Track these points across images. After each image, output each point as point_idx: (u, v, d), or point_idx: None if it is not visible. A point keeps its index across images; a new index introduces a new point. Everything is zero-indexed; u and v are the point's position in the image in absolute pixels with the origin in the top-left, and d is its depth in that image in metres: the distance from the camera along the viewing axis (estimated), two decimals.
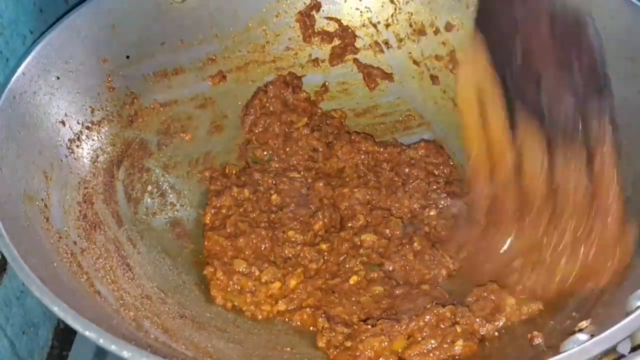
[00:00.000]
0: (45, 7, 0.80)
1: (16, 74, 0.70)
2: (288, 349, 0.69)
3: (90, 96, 0.78)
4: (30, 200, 0.66)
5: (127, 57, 0.82)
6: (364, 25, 0.94)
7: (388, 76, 0.93)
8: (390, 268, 0.76)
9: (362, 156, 0.87)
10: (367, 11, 0.93)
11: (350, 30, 0.94)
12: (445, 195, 0.82)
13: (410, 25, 0.92)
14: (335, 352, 0.67)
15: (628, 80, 0.74)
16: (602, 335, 0.50)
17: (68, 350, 0.82)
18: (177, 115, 0.87)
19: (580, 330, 0.58)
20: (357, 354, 0.65)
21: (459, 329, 0.66)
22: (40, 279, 0.56)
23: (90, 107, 0.78)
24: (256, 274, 0.74)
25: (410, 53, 0.93)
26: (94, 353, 0.80)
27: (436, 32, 0.91)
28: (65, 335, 0.83)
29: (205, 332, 0.68)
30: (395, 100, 0.94)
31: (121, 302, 0.66)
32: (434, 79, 0.92)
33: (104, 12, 0.80)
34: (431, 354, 0.65)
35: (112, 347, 0.52)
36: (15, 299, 0.73)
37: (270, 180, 0.84)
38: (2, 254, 0.58)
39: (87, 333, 0.52)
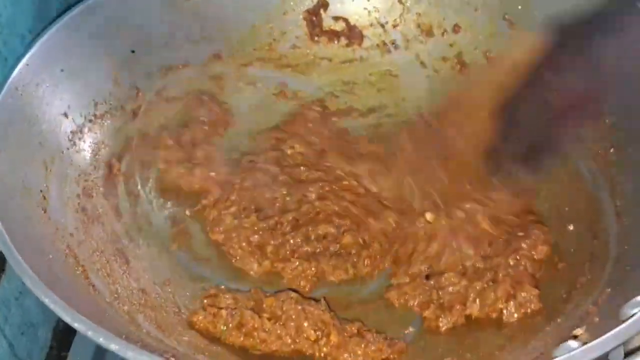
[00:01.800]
0: (45, 6, 0.80)
1: (19, 66, 0.71)
2: None
3: (94, 90, 0.78)
4: (28, 191, 0.67)
5: (133, 51, 0.83)
6: (371, 25, 0.93)
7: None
8: None
9: None
10: (375, 11, 0.93)
11: (357, 29, 0.93)
12: None
13: (418, 26, 0.92)
14: None
15: (632, 83, 0.72)
16: (593, 343, 0.50)
17: (67, 351, 0.81)
18: (181, 111, 0.87)
19: (575, 337, 0.57)
20: None
21: None
22: (33, 269, 0.56)
23: (93, 100, 0.78)
24: None
25: (417, 54, 0.92)
26: (93, 354, 0.79)
27: (444, 33, 0.91)
28: (64, 336, 0.83)
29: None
30: (401, 102, 0.93)
31: (115, 295, 0.66)
32: (440, 80, 0.91)
33: (110, 6, 0.80)
34: None
35: (100, 340, 0.52)
36: (13, 300, 0.73)
37: None
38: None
39: (75, 325, 0.52)
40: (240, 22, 0.90)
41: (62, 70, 0.75)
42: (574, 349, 0.51)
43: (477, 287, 0.70)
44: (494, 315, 0.69)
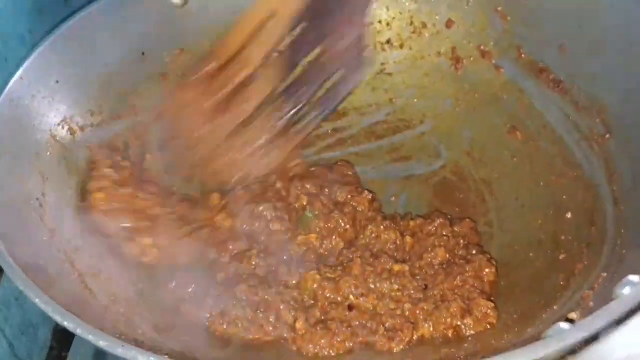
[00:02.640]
0: (45, 7, 0.81)
1: (14, 77, 0.71)
2: None
3: (89, 99, 0.79)
4: (25, 199, 0.67)
5: (129, 60, 0.83)
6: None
7: None
8: None
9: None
10: None
11: None
12: None
13: (411, 23, 0.92)
14: None
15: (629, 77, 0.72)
16: (581, 322, 0.49)
17: (67, 351, 0.82)
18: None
19: (570, 321, 0.57)
20: None
21: None
22: (29, 275, 0.56)
23: (89, 110, 0.79)
24: None
25: (411, 50, 0.92)
26: (93, 354, 0.80)
27: (437, 29, 0.91)
28: (64, 336, 0.84)
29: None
30: (397, 99, 0.93)
31: (112, 298, 0.66)
32: (434, 76, 0.91)
33: (105, 16, 0.81)
34: None
35: (90, 337, 0.52)
36: (13, 300, 0.74)
37: None
38: None
39: (65, 323, 0.53)
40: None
41: (57, 82, 0.76)
42: (563, 329, 0.50)
43: (426, 308, 0.70)
44: (450, 332, 0.69)
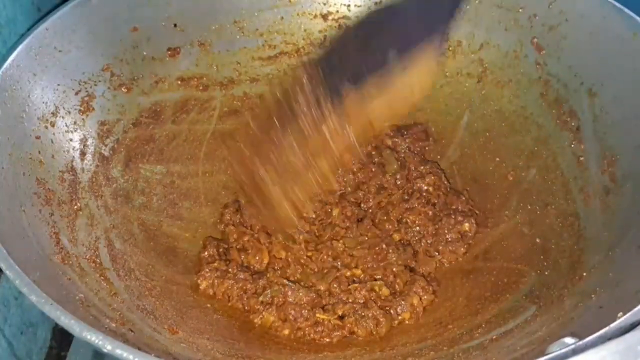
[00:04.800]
0: (43, 6, 0.81)
1: (4, 65, 0.70)
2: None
3: (86, 85, 0.78)
4: (18, 191, 0.66)
5: (134, 47, 0.83)
6: None
7: None
8: None
9: None
10: None
11: None
12: None
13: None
14: None
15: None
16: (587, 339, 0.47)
17: (66, 351, 0.82)
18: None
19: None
20: None
21: None
22: (20, 266, 0.56)
23: (87, 95, 0.78)
24: None
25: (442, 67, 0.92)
26: (92, 353, 0.79)
27: (471, 50, 0.90)
28: (63, 336, 0.83)
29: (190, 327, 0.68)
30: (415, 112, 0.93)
31: (112, 293, 0.66)
32: (456, 95, 0.91)
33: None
34: None
35: (87, 336, 0.51)
36: (13, 299, 0.74)
37: None
38: None
39: (56, 314, 0.53)
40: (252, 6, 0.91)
41: (51, 66, 0.75)
42: (568, 345, 0.49)
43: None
44: None
